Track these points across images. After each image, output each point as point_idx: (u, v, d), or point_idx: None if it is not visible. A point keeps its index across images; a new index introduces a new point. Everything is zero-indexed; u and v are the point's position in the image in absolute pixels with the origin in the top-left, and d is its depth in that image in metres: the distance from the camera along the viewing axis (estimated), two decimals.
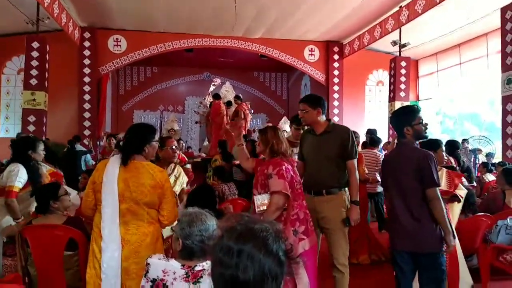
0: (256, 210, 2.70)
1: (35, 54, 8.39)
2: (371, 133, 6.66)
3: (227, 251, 0.94)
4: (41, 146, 3.54)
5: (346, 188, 3.00)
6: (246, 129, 9.91)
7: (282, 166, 2.67)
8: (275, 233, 0.97)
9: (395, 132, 9.42)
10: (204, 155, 9.97)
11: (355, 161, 2.94)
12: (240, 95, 10.49)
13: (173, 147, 3.42)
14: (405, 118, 2.67)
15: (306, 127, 3.35)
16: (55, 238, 2.70)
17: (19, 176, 3.23)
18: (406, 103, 10.16)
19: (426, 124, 2.72)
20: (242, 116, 9.65)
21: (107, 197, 2.27)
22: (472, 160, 9.05)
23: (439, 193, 2.50)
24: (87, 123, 10.54)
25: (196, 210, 1.88)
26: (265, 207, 2.65)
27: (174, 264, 1.79)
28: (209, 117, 10.35)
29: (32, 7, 7.99)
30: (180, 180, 3.51)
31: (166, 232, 2.79)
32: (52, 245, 2.69)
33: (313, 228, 2.76)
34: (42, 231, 2.75)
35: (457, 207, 3.37)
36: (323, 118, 3.03)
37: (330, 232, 2.91)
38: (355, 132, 5.51)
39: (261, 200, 2.69)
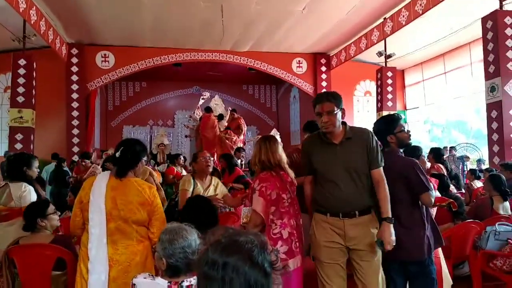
0: (241, 222, 2.68)
1: (21, 71, 8.34)
2: None
3: (212, 264, 0.94)
4: (35, 163, 3.50)
5: None
6: (244, 141, 9.94)
7: (266, 182, 2.52)
8: (260, 245, 0.97)
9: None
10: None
11: (381, 169, 2.44)
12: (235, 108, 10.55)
13: (206, 157, 3.48)
14: (387, 127, 2.67)
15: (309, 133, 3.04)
16: (43, 258, 2.65)
17: (32, 195, 3.25)
18: (394, 113, 10.28)
19: (409, 131, 2.71)
20: (243, 129, 9.68)
21: (94, 217, 2.23)
22: (460, 168, 9.16)
23: (433, 199, 2.51)
24: (75, 140, 10.44)
25: (176, 225, 1.84)
26: (246, 221, 2.62)
27: (161, 282, 1.75)
28: (199, 131, 10.34)
29: (19, 24, 7.97)
30: (219, 189, 3.63)
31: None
32: (40, 265, 2.63)
33: (299, 250, 2.56)
34: (29, 251, 2.69)
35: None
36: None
37: (362, 257, 2.40)
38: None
39: (246, 213, 2.65)
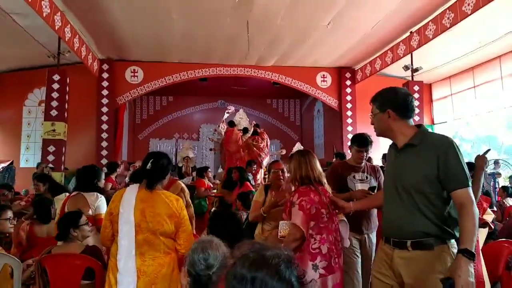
0: (279, 235, 2.65)
1: (55, 86, 8.68)
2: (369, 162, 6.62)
3: (241, 279, 0.95)
4: (103, 175, 3.82)
5: (453, 240, 1.91)
6: (268, 156, 9.96)
7: (306, 196, 2.51)
8: (287, 260, 0.98)
9: None
10: (218, 182, 10.00)
11: (469, 190, 1.84)
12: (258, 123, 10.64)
13: (279, 170, 3.47)
14: None
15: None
16: (73, 267, 2.73)
17: (105, 204, 3.46)
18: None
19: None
20: (264, 143, 9.72)
21: (124, 228, 2.29)
22: (491, 184, 8.85)
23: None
24: (104, 152, 10.73)
25: (206, 238, 1.87)
26: (285, 235, 2.59)
27: None
28: (223, 144, 10.44)
29: (54, 41, 8.34)
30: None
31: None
32: (70, 274, 2.72)
33: (338, 266, 2.52)
34: (60, 260, 2.78)
35: (482, 233, 3.35)
36: (403, 123, 2.08)
37: None
38: (370, 158, 5.48)
39: (284, 227, 2.62)
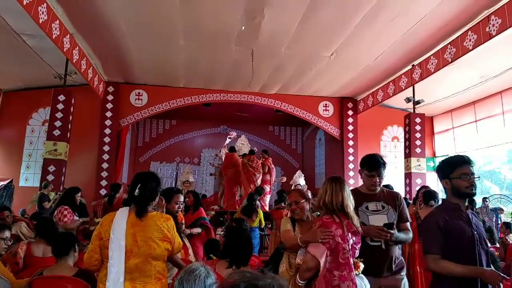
0: (296, 263, 2.59)
1: (60, 106, 8.75)
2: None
3: None
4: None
5: None
6: (272, 182, 10.00)
7: (328, 228, 2.42)
8: None
9: (411, 189, 9.11)
10: (217, 207, 9.94)
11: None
12: (266, 150, 10.75)
13: (292, 201, 3.00)
14: (443, 169, 2.41)
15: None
16: None
17: None
18: (422, 160, 10.10)
19: (474, 178, 2.29)
20: (266, 170, 9.77)
21: (114, 255, 2.23)
22: (493, 220, 8.73)
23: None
24: (104, 174, 10.70)
25: (192, 267, 1.82)
26: (301, 262, 2.52)
27: None
28: (221, 169, 10.47)
29: (61, 62, 8.48)
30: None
31: None
32: None
33: None
34: (51, 283, 2.72)
35: None
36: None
37: None
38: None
39: (301, 255, 2.53)
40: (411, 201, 6.70)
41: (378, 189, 2.90)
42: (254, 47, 8.54)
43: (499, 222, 8.60)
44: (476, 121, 11.01)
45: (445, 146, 12.38)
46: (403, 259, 2.92)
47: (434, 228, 2.30)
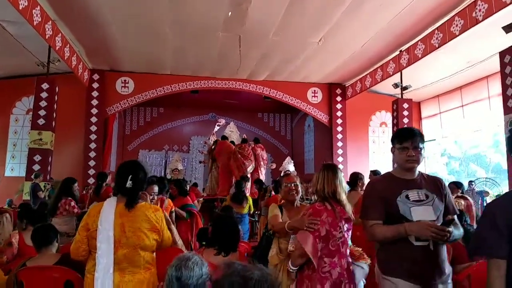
0: (288, 249, 2.63)
1: (44, 95, 8.58)
2: (376, 174, 6.61)
3: None
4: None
5: None
6: (260, 169, 10.04)
7: (318, 216, 2.43)
8: (272, 284, 0.95)
9: None
10: (204, 194, 9.95)
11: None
12: (257, 138, 10.77)
13: (290, 183, 3.01)
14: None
15: None
16: (51, 281, 2.63)
17: None
18: None
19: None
20: (251, 152, 9.84)
21: (102, 246, 2.20)
22: (479, 203, 8.90)
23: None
24: (92, 163, 10.59)
25: (187, 255, 1.82)
26: (293, 249, 2.56)
27: None
28: (211, 156, 10.45)
29: (44, 50, 8.28)
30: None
31: None
32: (49, 287, 2.62)
33: None
34: (38, 273, 2.68)
35: None
36: None
37: None
38: (359, 173, 5.46)
39: (293, 242, 2.56)
40: None
41: (417, 172, 2.31)
42: (241, 34, 8.44)
43: (485, 204, 8.78)
44: (462, 105, 11.13)
45: (433, 130, 12.52)
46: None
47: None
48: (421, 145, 2.23)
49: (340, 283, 2.40)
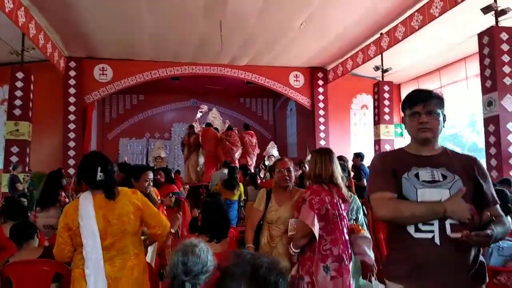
0: (289, 234, 2.64)
1: (19, 84, 8.32)
2: (359, 156, 6.72)
3: None
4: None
5: None
6: (249, 156, 10.10)
7: (317, 195, 2.51)
8: (282, 272, 0.98)
9: None
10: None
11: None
12: (246, 124, 10.92)
13: (284, 169, 2.94)
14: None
15: None
16: (41, 274, 2.59)
17: None
18: (390, 126, 10.39)
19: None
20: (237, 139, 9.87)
21: (89, 242, 2.17)
22: None
23: None
24: (71, 152, 10.38)
25: (193, 241, 1.82)
26: (294, 232, 2.58)
27: None
28: (188, 142, 10.44)
29: (17, 37, 7.98)
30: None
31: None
32: (39, 281, 2.58)
33: (348, 268, 2.50)
34: (26, 267, 2.64)
35: None
36: None
37: None
38: (342, 157, 5.54)
39: (293, 225, 2.59)
40: None
41: (438, 147, 1.79)
42: (222, 18, 8.31)
43: None
44: (441, 87, 11.33)
45: None
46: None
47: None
48: (438, 110, 1.73)
49: (341, 259, 2.48)
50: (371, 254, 2.75)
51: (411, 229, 1.63)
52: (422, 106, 1.73)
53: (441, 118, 1.74)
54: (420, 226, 1.61)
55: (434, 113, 1.72)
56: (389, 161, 1.81)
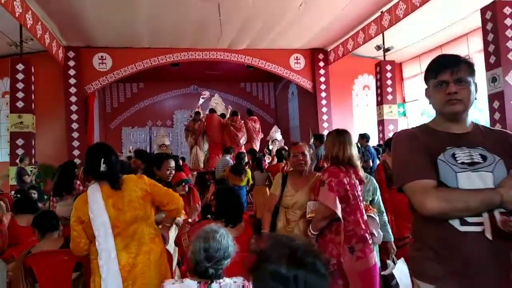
0: (307, 216, 2.64)
1: (20, 76, 8.28)
2: (364, 137, 6.72)
3: (283, 279, 0.94)
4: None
5: None
6: (254, 141, 10.11)
7: (336, 177, 2.50)
8: (318, 255, 1.00)
9: (384, 136, 9.32)
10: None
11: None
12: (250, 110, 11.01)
13: (298, 153, 2.92)
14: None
15: None
16: (62, 264, 2.64)
17: None
18: (394, 106, 10.36)
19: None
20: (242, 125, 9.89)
21: (100, 233, 2.20)
22: None
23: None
24: (76, 143, 10.40)
25: (213, 227, 1.85)
26: (313, 215, 2.58)
27: (190, 284, 1.78)
28: (191, 128, 10.44)
29: (15, 29, 7.90)
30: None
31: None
32: (60, 271, 2.63)
33: (371, 248, 2.53)
34: (48, 258, 2.68)
35: None
36: None
37: None
38: (366, 134, 5.47)
39: (311, 207, 2.60)
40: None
41: (469, 123, 1.55)
42: (220, 1, 8.20)
43: None
44: None
45: (414, 91, 12.68)
46: None
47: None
48: (468, 78, 1.46)
49: (365, 239, 2.51)
50: (377, 234, 2.77)
51: (455, 222, 1.37)
52: (450, 73, 1.46)
53: (472, 87, 1.47)
54: (467, 217, 1.36)
55: (464, 81, 1.46)
56: (419, 140, 1.51)
